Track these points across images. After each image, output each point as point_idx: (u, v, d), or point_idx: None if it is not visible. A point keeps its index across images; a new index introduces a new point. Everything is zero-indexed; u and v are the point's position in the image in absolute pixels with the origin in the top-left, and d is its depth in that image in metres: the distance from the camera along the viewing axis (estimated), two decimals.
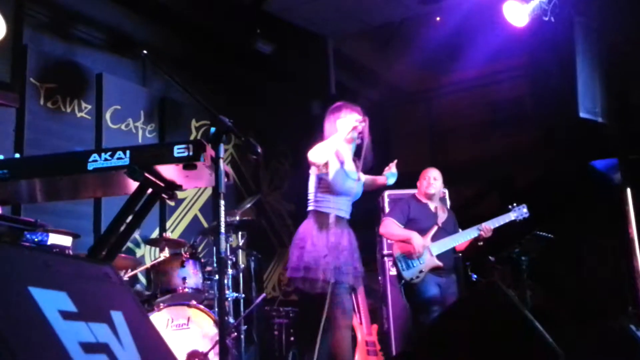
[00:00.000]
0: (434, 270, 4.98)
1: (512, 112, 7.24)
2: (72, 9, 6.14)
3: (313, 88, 7.92)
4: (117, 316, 1.82)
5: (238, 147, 7.83)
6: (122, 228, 2.77)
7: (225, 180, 2.72)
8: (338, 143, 3.94)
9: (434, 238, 5.04)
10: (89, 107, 6.23)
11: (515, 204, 5.24)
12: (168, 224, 6.68)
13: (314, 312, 3.80)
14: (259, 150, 2.79)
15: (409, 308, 5.23)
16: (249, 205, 5.75)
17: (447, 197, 6.30)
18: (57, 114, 5.92)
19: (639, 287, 6.30)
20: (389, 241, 6.18)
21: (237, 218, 5.37)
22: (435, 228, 5.08)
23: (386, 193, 6.58)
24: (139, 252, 6.18)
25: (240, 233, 5.84)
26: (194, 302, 4.81)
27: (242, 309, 5.49)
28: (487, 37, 6.40)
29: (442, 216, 5.20)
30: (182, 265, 4.97)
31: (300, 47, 7.54)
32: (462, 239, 5.10)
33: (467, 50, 6.86)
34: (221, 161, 2.65)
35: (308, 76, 7.80)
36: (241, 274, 5.68)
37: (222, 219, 2.61)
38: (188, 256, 5.06)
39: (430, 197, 5.24)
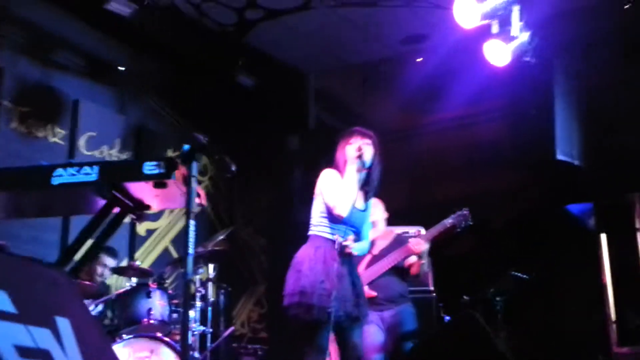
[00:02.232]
0: (371, 303, 4.35)
1: (491, 153, 7.24)
2: (50, 33, 6.09)
3: (292, 123, 7.89)
4: (63, 323, 1.69)
5: (214, 181, 7.73)
6: (87, 247, 2.67)
7: (197, 201, 2.63)
8: (354, 183, 3.82)
9: (368, 267, 4.65)
10: (63, 132, 6.12)
11: (457, 210, 4.70)
12: (137, 254, 6.51)
13: (305, 340, 3.65)
14: (234, 168, 2.72)
15: None
16: (222, 237, 5.62)
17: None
18: (29, 138, 5.81)
19: (609, 334, 6.25)
20: None
21: (210, 248, 5.23)
22: (368, 257, 4.66)
23: None
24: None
25: (211, 265, 5.69)
26: (158, 335, 4.63)
27: (208, 343, 5.31)
28: (467, 78, 6.44)
29: (381, 244, 4.81)
30: (149, 296, 4.80)
31: (281, 82, 7.54)
32: (390, 262, 4.61)
33: (448, 90, 6.90)
34: (193, 180, 2.56)
35: (287, 111, 7.79)
36: (210, 308, 5.51)
37: (192, 239, 2.51)
38: (155, 286, 4.90)
39: None
